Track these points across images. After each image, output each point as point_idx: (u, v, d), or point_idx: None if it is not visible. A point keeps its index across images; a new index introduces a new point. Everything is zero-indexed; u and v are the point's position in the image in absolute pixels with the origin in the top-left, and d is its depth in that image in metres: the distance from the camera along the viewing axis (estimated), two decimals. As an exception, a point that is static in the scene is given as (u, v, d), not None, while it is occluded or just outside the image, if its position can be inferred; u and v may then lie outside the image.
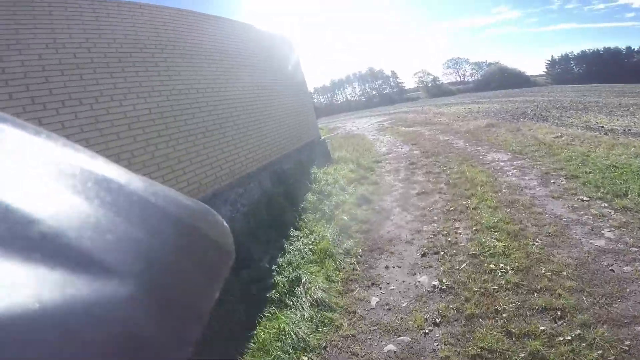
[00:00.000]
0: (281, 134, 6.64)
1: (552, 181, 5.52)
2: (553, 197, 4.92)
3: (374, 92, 75.47)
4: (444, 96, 57.41)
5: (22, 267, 0.16)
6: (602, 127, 10.43)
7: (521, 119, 13.19)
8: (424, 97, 66.72)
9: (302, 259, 4.22)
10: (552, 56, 68.88)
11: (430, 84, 74.38)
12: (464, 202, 5.20)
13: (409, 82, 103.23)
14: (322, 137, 9.02)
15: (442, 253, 4.03)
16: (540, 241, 3.90)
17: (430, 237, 4.42)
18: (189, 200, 0.25)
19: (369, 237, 4.71)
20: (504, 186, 5.59)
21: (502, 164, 6.77)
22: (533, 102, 20.73)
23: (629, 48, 58.33)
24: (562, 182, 5.39)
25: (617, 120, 11.78)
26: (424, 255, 4.07)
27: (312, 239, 4.61)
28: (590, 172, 5.52)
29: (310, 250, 4.41)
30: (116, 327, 0.16)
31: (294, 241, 4.58)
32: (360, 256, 4.31)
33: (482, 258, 3.78)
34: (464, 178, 6.15)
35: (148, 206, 0.22)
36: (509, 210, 4.72)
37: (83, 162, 0.22)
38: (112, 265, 0.18)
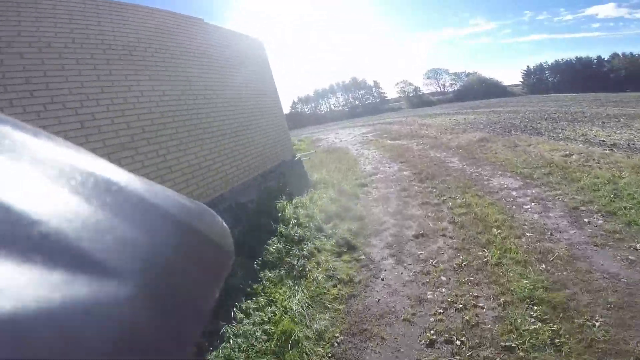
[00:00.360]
0: (240, 157, 5.21)
1: (585, 220, 4.31)
2: (596, 245, 3.70)
3: (357, 102, 75.52)
4: (425, 106, 57.64)
5: (21, 267, 0.16)
6: (604, 141, 9.56)
7: (513, 132, 12.28)
8: (405, 107, 67.10)
9: (250, 351, 2.79)
10: (528, 66, 70.57)
11: (411, 94, 75.15)
12: (480, 253, 3.90)
13: (391, 92, 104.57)
14: (298, 156, 7.61)
15: (457, 342, 2.72)
16: (601, 319, 2.68)
17: (439, 313, 3.09)
18: (188, 201, 0.24)
19: (351, 310, 3.33)
20: (526, 227, 4.35)
21: (514, 193, 5.55)
22: (518, 112, 20.15)
23: (599, 57, 60.19)
24: (599, 222, 4.20)
25: (615, 133, 11.00)
26: (430, 345, 2.77)
27: (270, 314, 3.20)
28: (630, 208, 4.36)
29: (265, 333, 3.00)
30: (116, 328, 0.16)
31: (241, 319, 3.13)
32: (338, 344, 2.94)
33: (521, 353, 2.50)
34: (473, 214, 4.88)
35: (147, 207, 0.21)
36: (544, 267, 3.46)
37: (83, 163, 0.22)
38: (111, 266, 0.18)
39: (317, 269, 3.84)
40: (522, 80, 70.35)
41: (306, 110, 77.40)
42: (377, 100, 75.82)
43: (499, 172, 6.71)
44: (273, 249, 3.90)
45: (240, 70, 5.87)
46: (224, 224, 0.26)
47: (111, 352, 0.15)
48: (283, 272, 3.77)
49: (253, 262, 3.77)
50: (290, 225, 4.28)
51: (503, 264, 3.63)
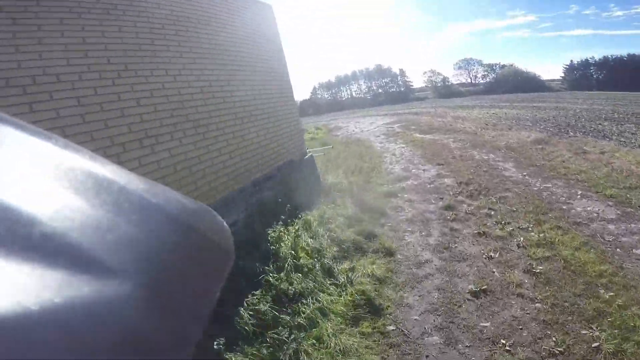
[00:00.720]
0: (222, 160, 3.72)
1: None
2: None
3: (380, 90, 72.97)
4: (453, 97, 54.46)
5: (22, 267, 0.16)
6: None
7: (571, 133, 10.25)
8: (432, 97, 64.20)
9: None
10: (572, 61, 65.29)
11: (439, 84, 72.18)
12: (585, 332, 2.40)
13: (417, 82, 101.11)
14: (310, 153, 6.02)
15: None
16: None
17: None
18: (189, 201, 0.24)
19: None
20: (654, 292, 2.74)
21: (611, 227, 3.85)
22: (567, 110, 17.69)
23: (656, 55, 54.73)
24: None
25: None
26: None
27: None
28: None
29: None
30: (116, 327, 0.16)
31: None
32: None
33: None
34: (561, 260, 3.25)
35: (148, 206, 0.21)
36: None
37: (84, 162, 0.22)
38: (112, 266, 0.18)
39: (318, 350, 2.38)
40: (563, 75, 65.39)
41: (326, 96, 75.78)
42: (402, 89, 72.96)
43: (579, 191, 4.95)
44: (250, 313, 2.43)
45: (233, 36, 4.33)
46: (225, 223, 0.25)
47: (112, 352, 0.15)
48: (265, 350, 2.33)
49: (217, 333, 2.33)
50: (285, 271, 2.80)
51: (625, 354, 2.11)
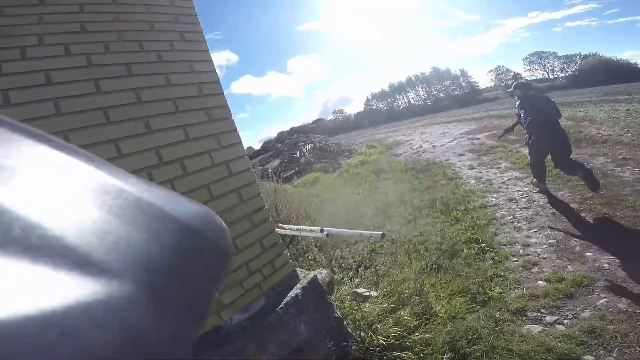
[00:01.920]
0: None
1: None
2: None
3: (441, 95, 66.83)
4: (532, 95, 46.21)
5: (20, 269, 0.15)
6: None
7: None
8: (503, 96, 56.31)
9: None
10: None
11: (511, 82, 63.83)
12: None
13: (482, 82, 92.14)
14: (311, 275, 2.09)
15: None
16: None
17: None
18: (187, 201, 0.24)
19: None
20: None
21: None
22: None
23: None
24: None
25: None
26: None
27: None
28: None
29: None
30: (115, 329, 0.16)
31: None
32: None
33: None
34: None
35: (146, 207, 0.21)
36: None
37: (81, 164, 0.21)
38: (111, 267, 0.17)
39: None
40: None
41: (381, 106, 72.09)
42: (467, 91, 65.82)
43: None
44: None
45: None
46: (223, 223, 0.25)
47: (113, 354, 0.15)
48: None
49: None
50: None
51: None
